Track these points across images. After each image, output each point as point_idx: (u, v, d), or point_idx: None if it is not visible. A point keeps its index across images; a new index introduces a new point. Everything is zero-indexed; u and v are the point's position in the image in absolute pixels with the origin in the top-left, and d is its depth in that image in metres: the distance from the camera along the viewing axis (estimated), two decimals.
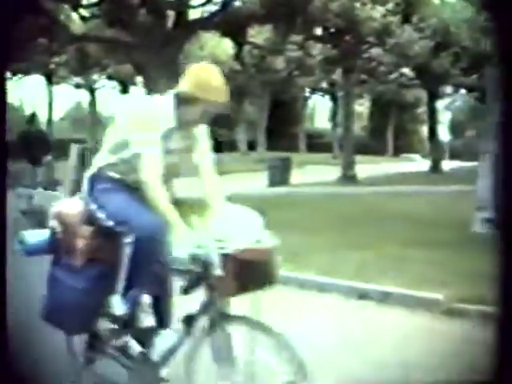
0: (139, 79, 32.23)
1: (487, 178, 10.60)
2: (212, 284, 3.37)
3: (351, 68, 26.03)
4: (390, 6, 22.45)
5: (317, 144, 51.36)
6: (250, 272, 3.35)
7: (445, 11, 25.58)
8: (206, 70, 3.73)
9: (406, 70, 30.97)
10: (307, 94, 52.24)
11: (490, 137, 10.76)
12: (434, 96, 34.27)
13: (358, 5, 20.81)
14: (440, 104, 38.51)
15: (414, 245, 8.88)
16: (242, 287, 3.35)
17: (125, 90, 44.88)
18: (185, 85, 3.67)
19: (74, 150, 13.28)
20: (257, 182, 22.65)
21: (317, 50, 26.46)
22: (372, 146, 52.84)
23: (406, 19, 23.77)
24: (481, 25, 17.49)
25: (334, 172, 26.76)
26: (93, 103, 47.21)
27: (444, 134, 46.09)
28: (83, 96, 47.95)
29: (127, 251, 3.59)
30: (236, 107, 39.62)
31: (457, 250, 8.59)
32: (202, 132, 3.94)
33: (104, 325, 3.73)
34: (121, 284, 3.66)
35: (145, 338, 3.77)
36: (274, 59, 30.00)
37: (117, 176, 3.83)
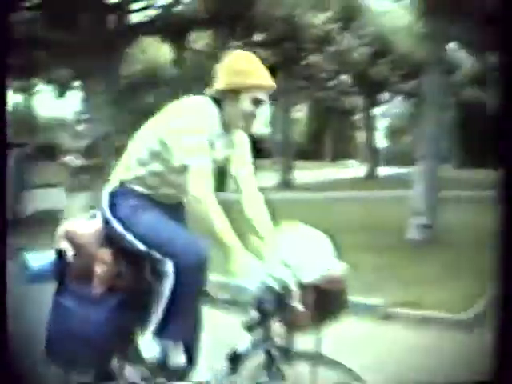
0: (77, 83, 31.77)
1: (422, 183, 10.71)
2: (286, 318, 2.94)
3: (291, 74, 26.15)
4: (331, 13, 22.60)
5: (256, 150, 51.28)
6: (328, 303, 2.97)
7: (383, 19, 25.93)
8: (239, 56, 3.30)
9: (345, 77, 31.25)
10: None
11: (426, 143, 10.91)
12: (371, 103, 34.68)
13: (299, 12, 20.90)
14: (377, 110, 38.99)
15: (350, 250, 8.81)
16: (319, 320, 2.97)
17: (62, 95, 44.19)
18: (220, 80, 3.24)
19: (13, 154, 12.93)
20: None
21: (257, 55, 26.45)
22: (311, 151, 53.20)
23: (346, 26, 23.99)
24: (418, 32, 17.75)
25: (273, 177, 26.80)
26: (30, 107, 46.32)
27: (380, 141, 46.73)
28: (20, 100, 46.87)
29: (165, 281, 3.11)
30: None
31: (392, 255, 8.74)
32: (243, 138, 3.52)
33: (127, 368, 3.32)
34: (154, 320, 3.18)
35: (174, 378, 3.22)
36: (215, 64, 29.96)
37: (145, 191, 3.34)
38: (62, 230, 3.39)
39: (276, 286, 2.88)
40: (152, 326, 3.18)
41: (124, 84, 22.59)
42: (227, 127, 3.32)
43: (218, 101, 3.26)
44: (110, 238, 3.30)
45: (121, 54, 16.97)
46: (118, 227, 3.27)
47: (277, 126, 31.41)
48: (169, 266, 3.11)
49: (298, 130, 50.42)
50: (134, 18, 17.16)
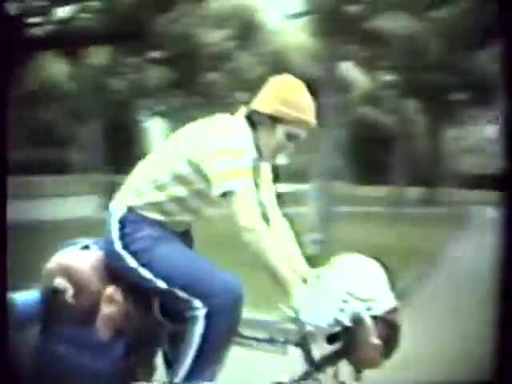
0: None
1: (317, 200, 10.91)
2: (357, 354, 2.73)
3: (188, 91, 26.14)
4: (227, 31, 22.77)
5: None
6: (393, 336, 2.77)
7: (279, 37, 26.27)
8: (293, 84, 3.03)
9: (242, 95, 31.44)
10: (145, 117, 51.84)
11: (320, 160, 11.11)
12: None
13: (196, 29, 20.97)
14: None
15: (242, 267, 8.86)
16: (386, 354, 2.76)
17: None
18: (267, 104, 2.97)
19: None
20: (91, 205, 22.19)
21: (155, 72, 26.39)
22: None
23: (243, 44, 24.21)
24: (312, 51, 18.03)
25: None
26: None
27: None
28: None
29: (194, 327, 2.79)
30: (71, 128, 38.66)
31: None
32: (266, 165, 3.21)
33: None
34: (181, 372, 2.84)
35: None
36: (112, 81, 29.66)
37: (160, 218, 2.98)
38: (54, 263, 2.94)
39: (347, 321, 2.70)
40: (177, 377, 2.86)
41: (19, 99, 22.04)
42: (259, 152, 3.04)
43: (252, 122, 3.03)
44: (117, 273, 2.92)
45: (16, 69, 16.62)
46: (132, 262, 2.90)
47: None
48: (199, 309, 2.80)
49: None
50: (30, 33, 16.84)
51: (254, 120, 3.01)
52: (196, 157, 2.91)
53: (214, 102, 33.13)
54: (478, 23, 16.87)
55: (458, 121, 31.75)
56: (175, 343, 3.01)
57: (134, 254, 2.89)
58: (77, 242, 3.07)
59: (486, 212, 27.07)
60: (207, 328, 2.79)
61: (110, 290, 2.86)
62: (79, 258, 2.93)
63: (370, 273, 2.80)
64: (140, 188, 2.99)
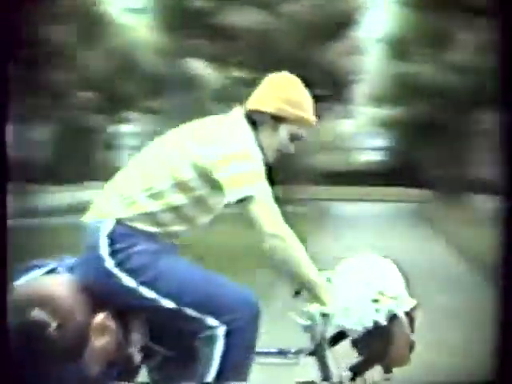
0: None
1: None
2: (392, 354, 2.76)
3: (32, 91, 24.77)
4: (70, 25, 21.64)
5: None
6: (414, 332, 2.82)
7: (127, 33, 25.28)
8: (293, 82, 2.97)
9: (87, 94, 30.25)
10: None
11: None
12: (117, 121, 34.17)
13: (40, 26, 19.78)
14: (125, 129, 38.71)
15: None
16: (413, 350, 2.84)
17: None
18: (268, 103, 2.87)
19: None
20: None
21: None
22: (57, 173, 51.45)
23: (89, 40, 23.17)
24: (159, 47, 17.42)
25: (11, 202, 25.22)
26: None
27: (125, 160, 46.64)
28: None
29: (214, 347, 2.60)
30: None
31: None
32: None
33: None
34: None
35: None
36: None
37: (153, 230, 2.73)
38: (25, 293, 2.51)
39: (383, 320, 2.71)
40: None
41: None
42: (262, 153, 2.90)
43: (253, 122, 2.90)
44: (102, 297, 2.61)
45: None
46: (128, 281, 2.64)
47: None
48: (217, 328, 2.62)
49: (42, 152, 48.73)
50: None
51: (254, 120, 2.90)
52: (202, 161, 2.75)
53: (56, 102, 31.88)
54: (333, 17, 16.82)
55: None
56: (164, 367, 2.88)
57: (130, 271, 2.66)
58: (39, 265, 2.74)
59: (346, 209, 27.41)
60: (228, 347, 2.63)
61: (101, 317, 2.52)
62: (55, 284, 2.57)
63: (392, 271, 2.82)
64: (130, 197, 2.75)
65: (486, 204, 22.23)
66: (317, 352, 2.85)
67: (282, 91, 2.89)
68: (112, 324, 2.56)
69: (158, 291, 2.65)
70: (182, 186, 2.76)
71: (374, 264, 2.82)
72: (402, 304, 2.74)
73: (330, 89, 23.75)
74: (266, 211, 2.66)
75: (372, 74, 27.41)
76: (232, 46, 19.33)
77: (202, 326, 2.65)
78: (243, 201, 2.68)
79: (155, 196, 2.75)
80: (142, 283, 2.65)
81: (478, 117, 22.37)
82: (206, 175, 2.75)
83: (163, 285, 2.65)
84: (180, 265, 2.77)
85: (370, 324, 2.69)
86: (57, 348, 2.48)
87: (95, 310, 2.57)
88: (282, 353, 2.94)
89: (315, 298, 2.72)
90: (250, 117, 2.91)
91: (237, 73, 25.28)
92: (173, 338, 2.84)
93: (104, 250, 2.67)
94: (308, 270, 2.68)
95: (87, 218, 2.82)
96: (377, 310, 2.70)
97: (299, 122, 2.90)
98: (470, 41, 14.93)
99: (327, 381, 2.81)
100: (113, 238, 2.68)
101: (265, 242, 2.66)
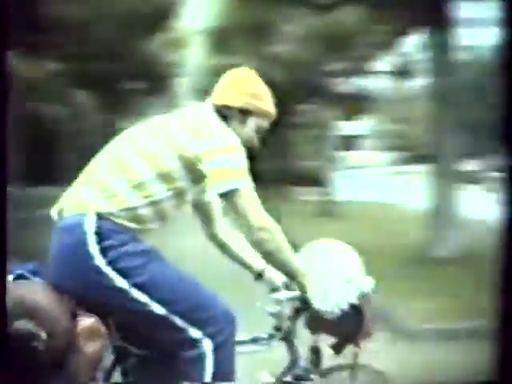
0: None
1: None
2: (363, 331, 2.91)
3: None
4: None
5: None
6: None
7: None
8: (254, 77, 3.01)
9: None
10: None
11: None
12: None
13: None
14: None
15: None
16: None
17: None
18: (234, 98, 2.92)
19: None
20: None
21: None
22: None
23: None
24: None
25: None
26: None
27: None
28: None
29: (204, 363, 2.54)
30: None
31: None
32: None
33: None
34: None
35: None
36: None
37: (135, 226, 2.63)
38: (16, 301, 2.26)
39: (355, 300, 2.86)
40: None
41: None
42: None
43: (223, 116, 2.91)
44: (81, 301, 2.46)
45: None
46: (121, 282, 2.52)
47: None
48: (202, 341, 2.57)
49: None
50: None
51: (224, 114, 2.92)
52: (190, 152, 2.73)
53: None
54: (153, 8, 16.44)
55: (136, 111, 31.42)
56: (139, 368, 2.81)
57: (121, 272, 2.54)
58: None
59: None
60: (217, 363, 2.59)
61: (90, 320, 2.38)
62: (32, 291, 2.36)
63: (353, 254, 2.95)
64: (110, 189, 2.64)
65: (307, 196, 22.75)
66: (286, 337, 2.98)
67: (247, 86, 2.95)
68: (101, 327, 2.46)
69: (150, 295, 2.57)
70: (164, 177, 2.72)
71: (339, 248, 2.96)
72: (367, 282, 2.91)
73: (151, 82, 23.38)
74: (252, 204, 2.68)
75: (194, 66, 27.30)
76: (50, 38, 18.44)
77: (183, 336, 2.61)
78: (227, 194, 2.68)
79: (137, 187, 2.68)
80: (134, 285, 2.56)
81: (300, 109, 22.79)
82: (191, 166, 2.75)
83: (155, 290, 2.58)
84: (170, 270, 2.69)
85: (345, 306, 2.82)
86: (46, 360, 2.31)
87: (76, 314, 2.44)
88: (254, 340, 3.00)
89: (298, 284, 2.81)
90: (219, 111, 2.93)
91: (54, 65, 24.26)
92: (147, 339, 2.77)
93: (93, 247, 2.56)
94: (292, 258, 2.76)
95: (59, 212, 2.70)
96: (350, 291, 2.83)
97: (264, 114, 2.99)
98: (292, 33, 15.04)
99: (295, 364, 2.98)
100: (101, 234, 2.57)
101: (253, 234, 2.67)
